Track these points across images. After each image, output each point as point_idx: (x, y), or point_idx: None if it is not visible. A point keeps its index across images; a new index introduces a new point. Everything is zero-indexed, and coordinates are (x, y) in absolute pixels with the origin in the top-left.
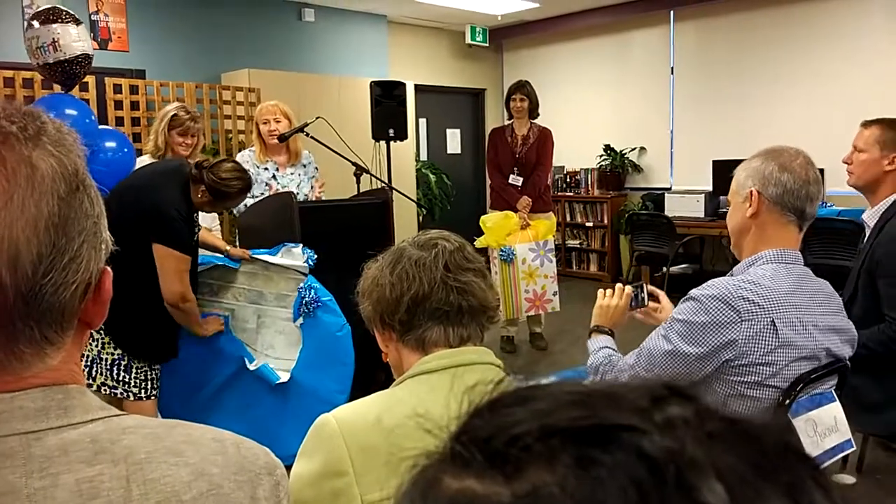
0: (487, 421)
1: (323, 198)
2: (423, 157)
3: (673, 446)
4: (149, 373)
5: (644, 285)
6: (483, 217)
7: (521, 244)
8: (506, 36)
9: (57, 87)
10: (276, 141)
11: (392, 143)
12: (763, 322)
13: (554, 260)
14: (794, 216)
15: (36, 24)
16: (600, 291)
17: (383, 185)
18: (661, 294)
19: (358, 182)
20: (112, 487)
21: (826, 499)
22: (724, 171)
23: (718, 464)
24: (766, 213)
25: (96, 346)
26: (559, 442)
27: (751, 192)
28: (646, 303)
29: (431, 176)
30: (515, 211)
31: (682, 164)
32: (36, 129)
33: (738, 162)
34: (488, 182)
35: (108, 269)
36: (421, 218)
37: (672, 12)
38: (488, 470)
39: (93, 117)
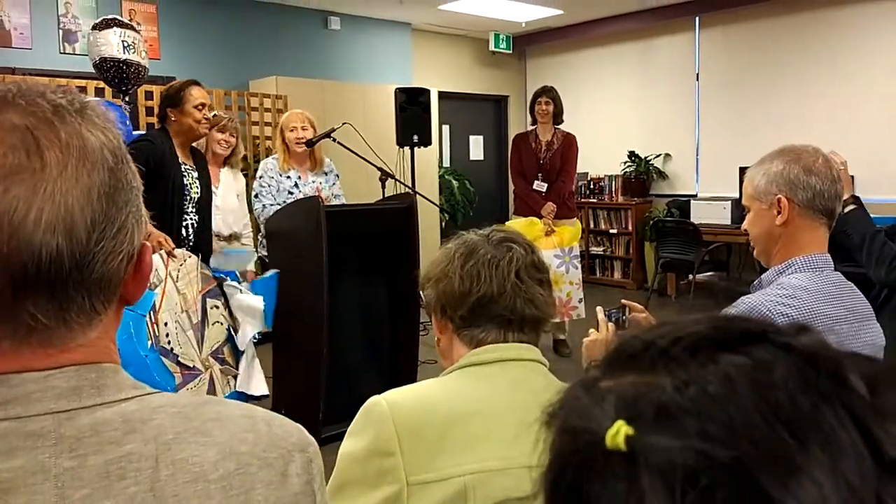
0: (638, 338)
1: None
2: (446, 163)
3: (820, 344)
4: None
5: (626, 308)
6: (507, 223)
7: (545, 251)
8: (529, 43)
9: (92, 94)
10: (302, 148)
11: (416, 148)
12: None
13: (579, 266)
14: (825, 218)
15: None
16: (591, 331)
17: (408, 189)
18: (645, 314)
19: (383, 187)
20: (140, 468)
21: None
22: None
23: (858, 365)
24: (797, 218)
25: None
26: (721, 337)
27: (778, 198)
28: (627, 326)
29: (454, 182)
30: (540, 217)
31: (707, 171)
32: (81, 104)
33: None
34: (511, 188)
35: (147, 244)
36: (444, 223)
37: (697, 18)
38: (658, 366)
39: (128, 123)
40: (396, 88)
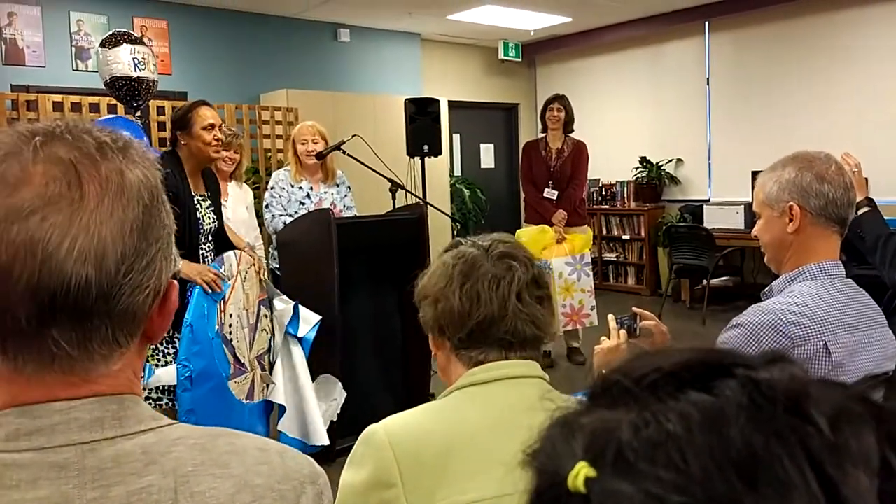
0: (619, 369)
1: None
2: (458, 172)
3: (783, 378)
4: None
5: (637, 315)
6: (518, 231)
7: (557, 258)
8: (539, 51)
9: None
10: (313, 160)
11: (427, 158)
12: (816, 346)
13: (591, 274)
14: (838, 226)
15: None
16: (603, 339)
17: (418, 200)
18: (655, 322)
19: (394, 198)
20: (160, 500)
21: None
22: None
23: (822, 397)
24: (809, 226)
25: None
26: (684, 375)
27: (790, 206)
28: (638, 333)
29: (465, 191)
30: (551, 225)
31: (720, 176)
32: (124, 143)
33: None
34: (522, 196)
35: (175, 282)
36: (455, 232)
37: (707, 23)
38: (620, 404)
39: (145, 138)
40: (406, 99)
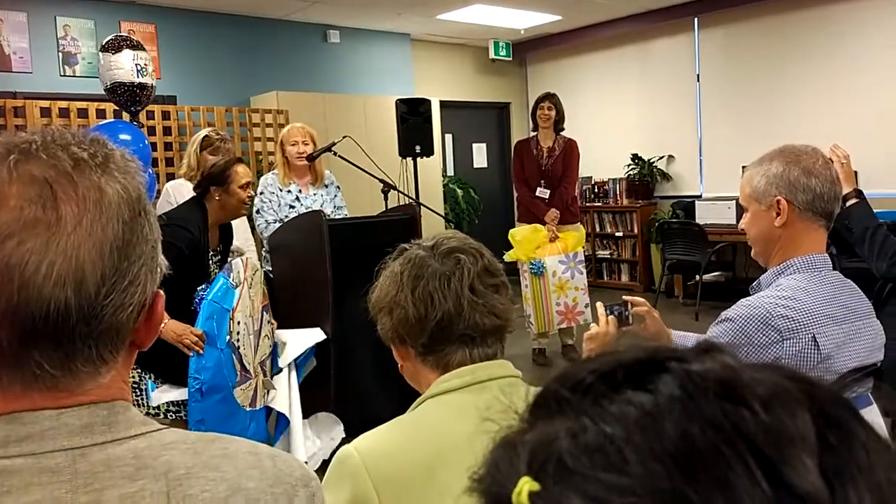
0: (555, 378)
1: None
2: (450, 171)
3: (714, 367)
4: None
5: (629, 303)
6: (511, 231)
7: (550, 257)
8: (529, 49)
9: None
10: (303, 162)
11: (419, 159)
12: (805, 339)
13: (584, 272)
14: (824, 220)
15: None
16: (592, 326)
17: (411, 200)
18: (647, 308)
19: (386, 199)
20: (153, 503)
21: (861, 426)
22: None
23: (754, 381)
24: (796, 221)
25: None
26: (619, 375)
27: (777, 200)
28: (630, 321)
29: (458, 190)
30: (543, 224)
31: (711, 171)
32: (104, 155)
33: None
34: (516, 195)
35: (161, 292)
36: None
37: (696, 19)
38: (557, 414)
39: (146, 142)
40: (397, 99)
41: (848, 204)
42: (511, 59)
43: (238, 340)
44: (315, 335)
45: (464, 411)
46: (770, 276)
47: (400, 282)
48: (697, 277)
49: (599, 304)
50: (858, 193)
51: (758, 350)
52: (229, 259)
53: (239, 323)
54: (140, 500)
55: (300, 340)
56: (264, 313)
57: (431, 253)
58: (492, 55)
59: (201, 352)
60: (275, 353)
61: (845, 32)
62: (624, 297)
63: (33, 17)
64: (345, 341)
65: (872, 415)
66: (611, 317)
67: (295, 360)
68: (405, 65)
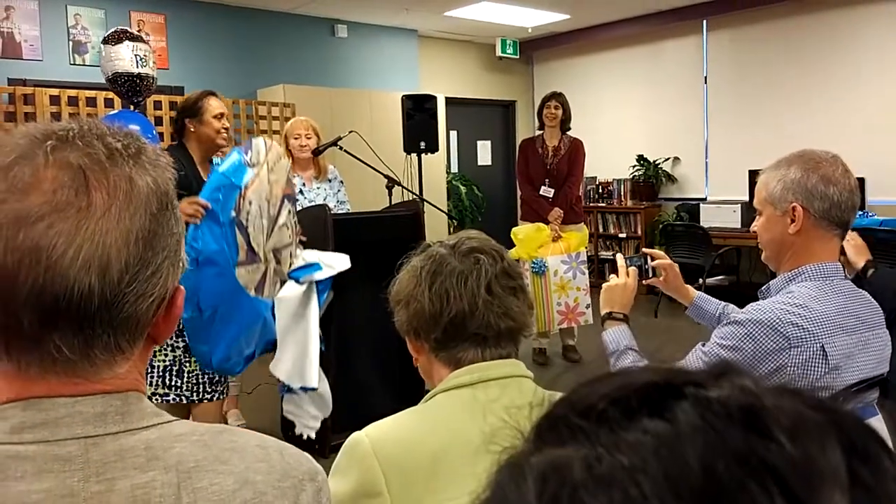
0: (564, 401)
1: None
2: (454, 168)
3: (734, 393)
4: (200, 376)
5: (648, 256)
6: (514, 229)
7: (552, 256)
8: (536, 48)
9: (101, 105)
10: (306, 155)
11: (423, 155)
12: (813, 348)
13: (586, 272)
14: (840, 229)
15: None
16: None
17: (415, 196)
18: (667, 262)
19: (390, 194)
20: (163, 494)
21: (889, 458)
22: None
23: (778, 409)
24: (811, 228)
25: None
26: (633, 401)
27: (793, 207)
28: (650, 274)
29: (462, 187)
30: (547, 223)
31: (717, 174)
32: (137, 148)
33: None
34: (519, 193)
35: (182, 287)
36: (452, 229)
37: (705, 21)
38: (569, 440)
39: (154, 132)
40: (403, 95)
41: (868, 274)
42: (518, 57)
43: (246, 220)
44: (341, 260)
45: (473, 407)
46: (780, 282)
47: (418, 277)
48: (701, 281)
49: (619, 256)
50: (874, 263)
51: (764, 355)
52: (262, 140)
53: (251, 203)
54: (151, 491)
55: (325, 261)
56: (286, 202)
57: (452, 251)
58: (499, 53)
59: (198, 221)
60: (293, 247)
61: (854, 37)
62: (643, 249)
63: (45, 5)
64: (345, 334)
65: (876, 425)
66: (632, 268)
67: (316, 284)
68: (412, 61)
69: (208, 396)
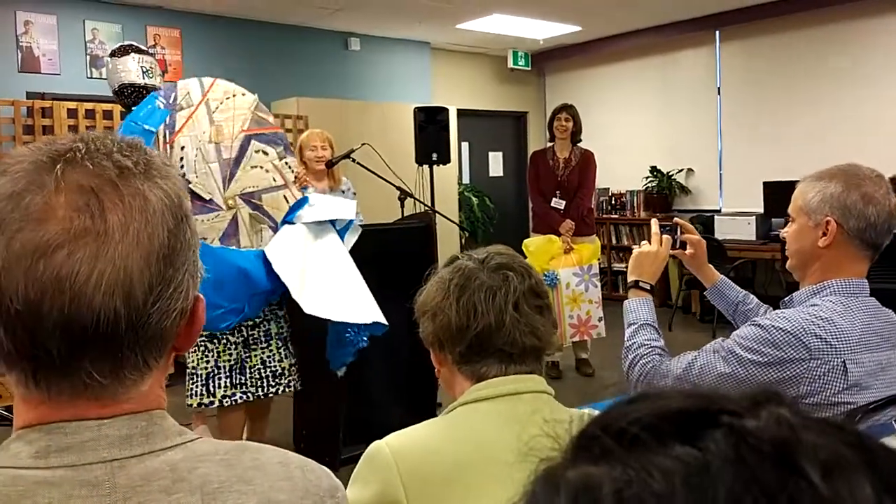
0: (599, 421)
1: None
2: (466, 179)
3: (770, 425)
4: (263, 370)
5: (680, 227)
6: (526, 241)
7: (564, 269)
8: (548, 59)
9: (117, 118)
10: (321, 167)
11: (435, 166)
12: (834, 363)
13: (598, 285)
14: (871, 250)
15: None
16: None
17: (427, 208)
18: (697, 237)
19: (402, 206)
20: None
21: None
22: (775, 192)
23: (813, 445)
24: (842, 245)
25: None
26: (666, 427)
27: (827, 221)
28: (678, 245)
29: (474, 199)
30: (558, 235)
31: (731, 186)
32: (146, 162)
33: (790, 183)
34: (531, 205)
35: (202, 296)
36: (463, 240)
37: (717, 32)
38: (601, 460)
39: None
40: (415, 107)
41: None
42: (530, 68)
43: (183, 167)
44: (347, 207)
45: (494, 420)
46: (805, 294)
47: (447, 289)
48: None
49: (654, 222)
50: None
51: (782, 363)
52: (196, 80)
53: (183, 148)
54: None
55: (328, 205)
56: (252, 141)
57: (481, 266)
58: (510, 65)
59: None
60: (297, 205)
61: (867, 48)
62: (676, 220)
63: (63, 20)
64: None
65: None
66: (666, 236)
67: (335, 226)
68: (424, 73)
69: (273, 390)
